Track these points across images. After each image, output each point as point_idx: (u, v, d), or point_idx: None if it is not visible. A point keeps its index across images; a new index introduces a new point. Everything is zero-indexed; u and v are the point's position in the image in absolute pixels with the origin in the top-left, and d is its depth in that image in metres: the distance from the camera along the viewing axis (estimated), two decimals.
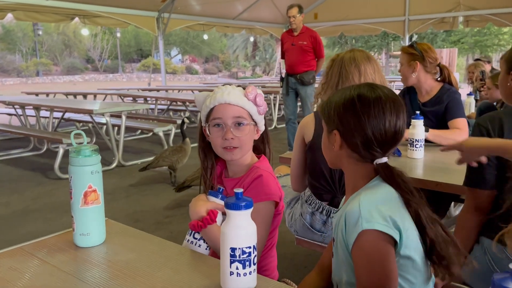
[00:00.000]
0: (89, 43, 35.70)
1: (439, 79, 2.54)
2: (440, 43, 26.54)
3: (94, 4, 9.01)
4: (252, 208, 0.88)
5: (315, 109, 1.89)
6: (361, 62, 1.78)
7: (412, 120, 2.13)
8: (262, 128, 1.33)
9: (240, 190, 0.87)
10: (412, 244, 0.94)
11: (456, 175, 1.79)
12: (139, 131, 6.70)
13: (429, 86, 2.52)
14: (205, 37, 13.03)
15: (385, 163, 0.98)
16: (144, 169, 4.12)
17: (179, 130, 6.23)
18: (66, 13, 9.05)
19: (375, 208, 0.91)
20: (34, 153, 5.89)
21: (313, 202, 1.73)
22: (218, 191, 1.22)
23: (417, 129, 2.09)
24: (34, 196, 4.03)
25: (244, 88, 1.27)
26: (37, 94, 8.60)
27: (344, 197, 1.07)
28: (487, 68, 4.93)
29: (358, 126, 0.96)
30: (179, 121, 6.01)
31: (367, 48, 31.85)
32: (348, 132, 0.98)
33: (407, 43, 12.82)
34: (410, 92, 2.68)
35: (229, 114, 1.23)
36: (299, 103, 5.64)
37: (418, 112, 2.18)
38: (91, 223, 1.13)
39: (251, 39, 31.50)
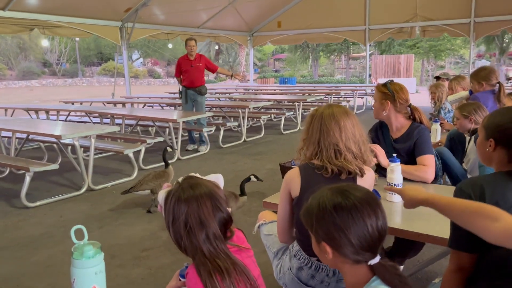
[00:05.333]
0: (46, 46, 34.39)
1: (409, 117, 2.65)
2: (397, 48, 27.43)
3: (54, 14, 8.73)
4: None
5: (298, 163, 1.93)
6: (340, 118, 1.83)
7: (390, 165, 2.22)
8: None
9: None
10: None
11: (434, 222, 1.88)
12: None
13: (399, 123, 2.64)
14: (170, 46, 12.87)
15: (379, 262, 1.03)
16: (127, 192, 4.13)
17: (146, 148, 6.22)
18: (24, 24, 8.73)
19: None
20: None
21: (302, 257, 1.78)
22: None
23: (395, 173, 2.18)
24: None
25: None
26: None
27: None
28: (446, 85, 5.14)
29: (344, 238, 1.01)
30: (148, 140, 5.96)
31: (328, 52, 32.52)
32: (335, 244, 1.03)
33: (368, 50, 13.24)
34: (382, 126, 2.78)
35: None
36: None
37: (395, 154, 2.27)
38: None
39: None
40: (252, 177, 3.77)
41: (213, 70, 7.23)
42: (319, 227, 1.04)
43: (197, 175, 1.44)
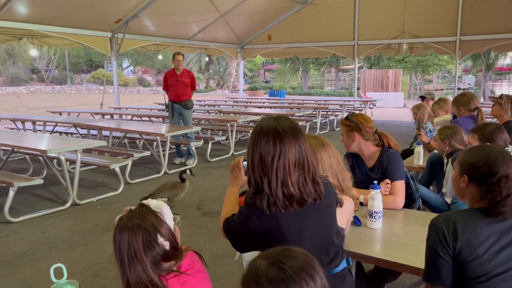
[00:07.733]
0: (34, 55, 34.19)
1: (379, 144, 2.69)
2: (386, 62, 27.84)
3: (44, 24, 8.71)
4: None
5: None
6: (316, 150, 1.86)
7: (371, 192, 2.25)
8: None
9: None
10: None
11: (412, 252, 1.92)
12: None
13: (370, 151, 2.68)
14: (160, 57, 12.81)
15: None
16: (145, 198, 4.17)
17: (133, 161, 6.20)
18: (13, 34, 8.69)
19: None
20: None
21: None
22: None
23: (375, 201, 2.21)
24: None
25: None
26: None
27: None
28: (429, 104, 5.23)
29: None
30: (136, 154, 5.94)
31: (318, 64, 32.82)
32: None
33: (356, 65, 13.41)
34: (356, 155, 2.79)
35: None
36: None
37: (375, 182, 2.31)
38: None
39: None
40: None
41: (193, 88, 7.20)
42: None
43: (151, 204, 1.46)
